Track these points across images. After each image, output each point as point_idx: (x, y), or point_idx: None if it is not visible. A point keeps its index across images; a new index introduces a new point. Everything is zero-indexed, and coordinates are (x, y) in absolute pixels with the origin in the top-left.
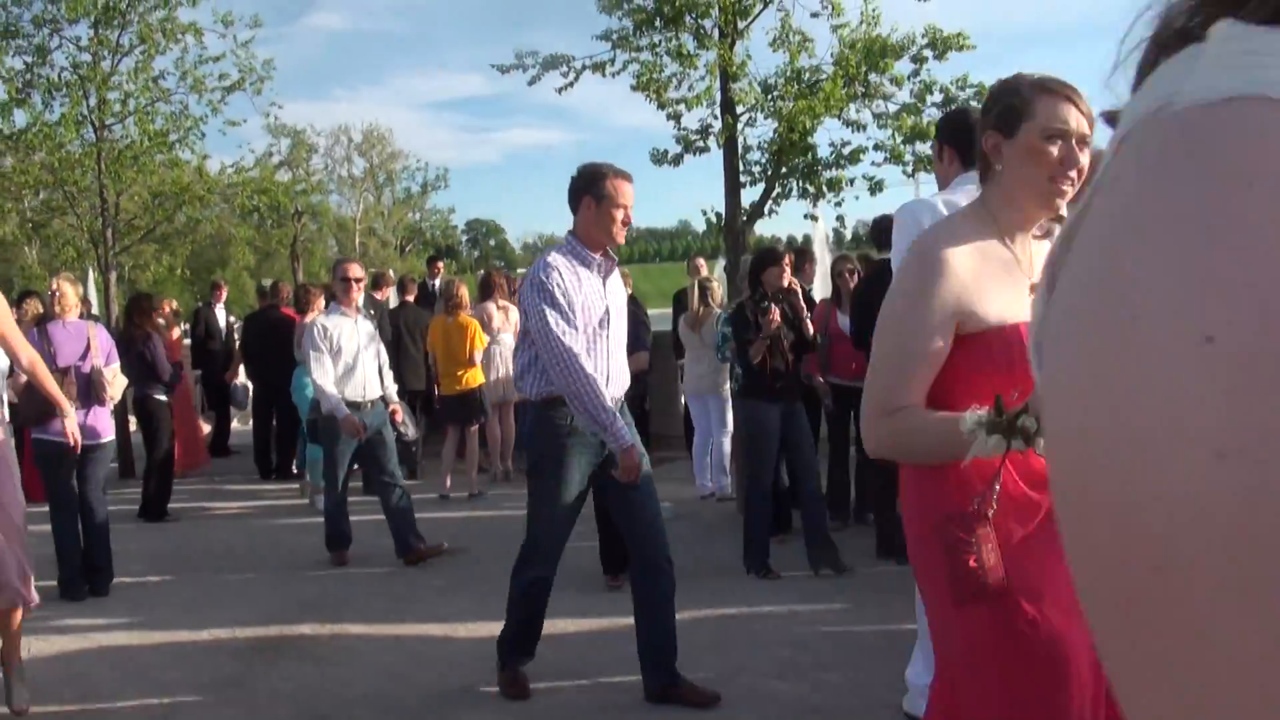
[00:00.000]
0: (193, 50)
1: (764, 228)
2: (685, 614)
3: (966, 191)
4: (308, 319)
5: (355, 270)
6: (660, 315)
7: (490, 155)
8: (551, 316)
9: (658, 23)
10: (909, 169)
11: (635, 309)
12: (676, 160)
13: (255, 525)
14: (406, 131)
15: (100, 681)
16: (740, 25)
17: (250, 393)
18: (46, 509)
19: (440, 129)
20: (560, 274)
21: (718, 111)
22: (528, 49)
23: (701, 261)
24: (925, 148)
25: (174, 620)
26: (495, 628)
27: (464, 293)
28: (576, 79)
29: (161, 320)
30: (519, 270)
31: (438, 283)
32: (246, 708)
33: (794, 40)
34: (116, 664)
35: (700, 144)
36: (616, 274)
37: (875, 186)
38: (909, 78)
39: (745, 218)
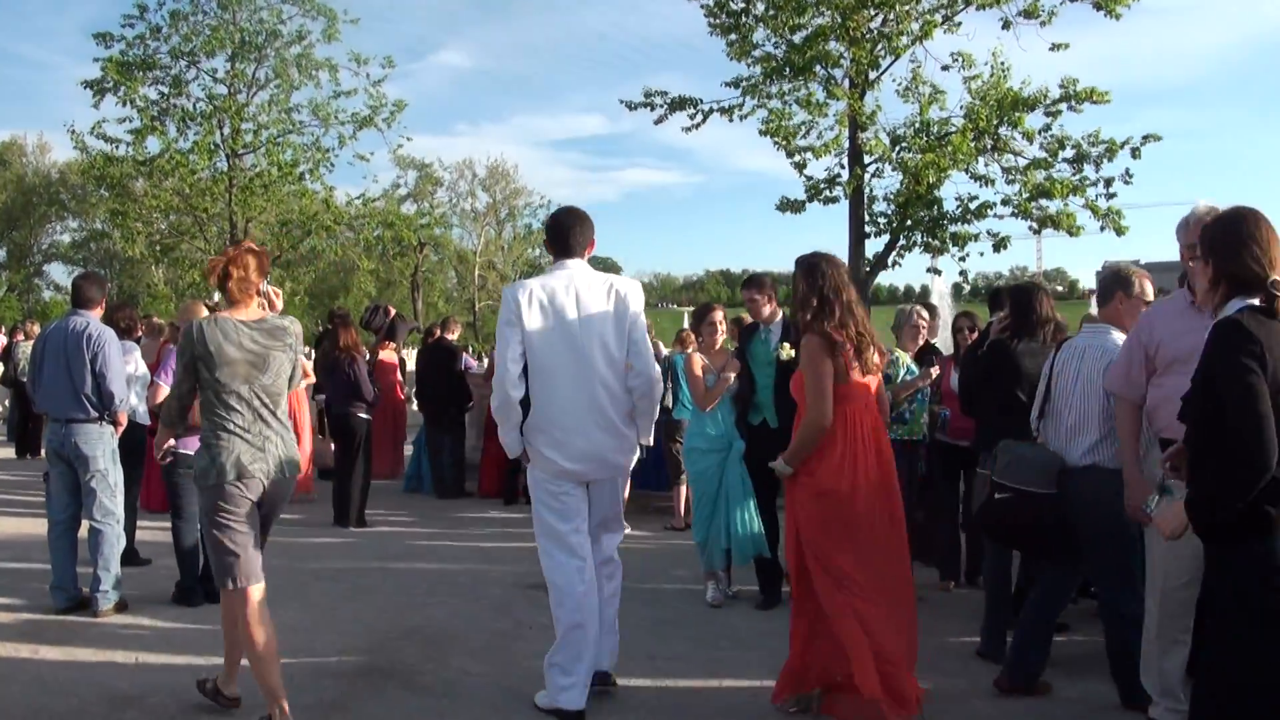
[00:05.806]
0: (326, 86)
1: (885, 279)
2: None
3: None
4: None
5: None
6: None
7: (608, 193)
8: None
9: (787, 71)
10: (1034, 225)
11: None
12: (799, 207)
13: (366, 548)
14: (527, 168)
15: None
16: (871, 76)
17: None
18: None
19: (560, 166)
20: None
21: (845, 161)
22: (655, 90)
23: None
24: (1051, 206)
25: (282, 640)
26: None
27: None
28: (704, 121)
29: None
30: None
31: None
32: None
33: (924, 92)
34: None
35: (828, 193)
36: None
37: (1000, 243)
38: (1040, 132)
39: (868, 268)
